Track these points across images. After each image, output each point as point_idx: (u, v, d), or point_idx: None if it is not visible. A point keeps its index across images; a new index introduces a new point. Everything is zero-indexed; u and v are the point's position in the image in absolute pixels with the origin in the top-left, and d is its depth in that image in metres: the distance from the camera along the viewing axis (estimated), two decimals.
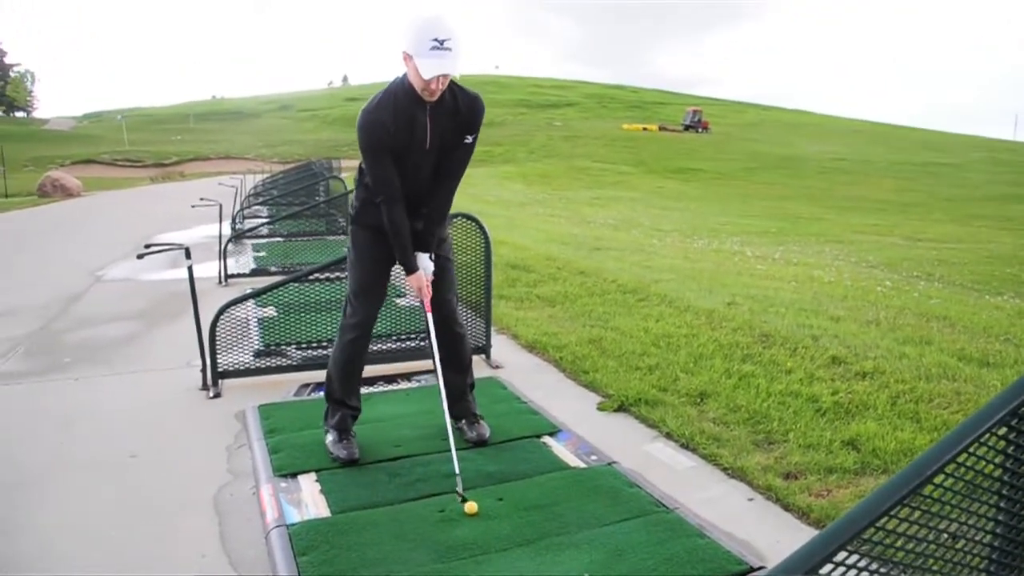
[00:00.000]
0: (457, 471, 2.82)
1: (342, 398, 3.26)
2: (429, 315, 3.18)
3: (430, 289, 3.14)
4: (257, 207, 14.05)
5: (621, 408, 3.85)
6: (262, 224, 11.41)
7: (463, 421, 3.42)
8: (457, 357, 3.37)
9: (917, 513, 1.28)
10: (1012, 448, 1.41)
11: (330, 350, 4.67)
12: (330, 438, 3.23)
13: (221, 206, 9.15)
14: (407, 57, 2.75)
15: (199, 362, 4.28)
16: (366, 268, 3.18)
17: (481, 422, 3.41)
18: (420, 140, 2.90)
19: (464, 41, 2.74)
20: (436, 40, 2.66)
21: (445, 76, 2.74)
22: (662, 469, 3.16)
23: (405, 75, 2.85)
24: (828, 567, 1.14)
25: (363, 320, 3.21)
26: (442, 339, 3.23)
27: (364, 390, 3.88)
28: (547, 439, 3.43)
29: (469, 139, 3.00)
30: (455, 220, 4.66)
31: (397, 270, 3.26)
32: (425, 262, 3.12)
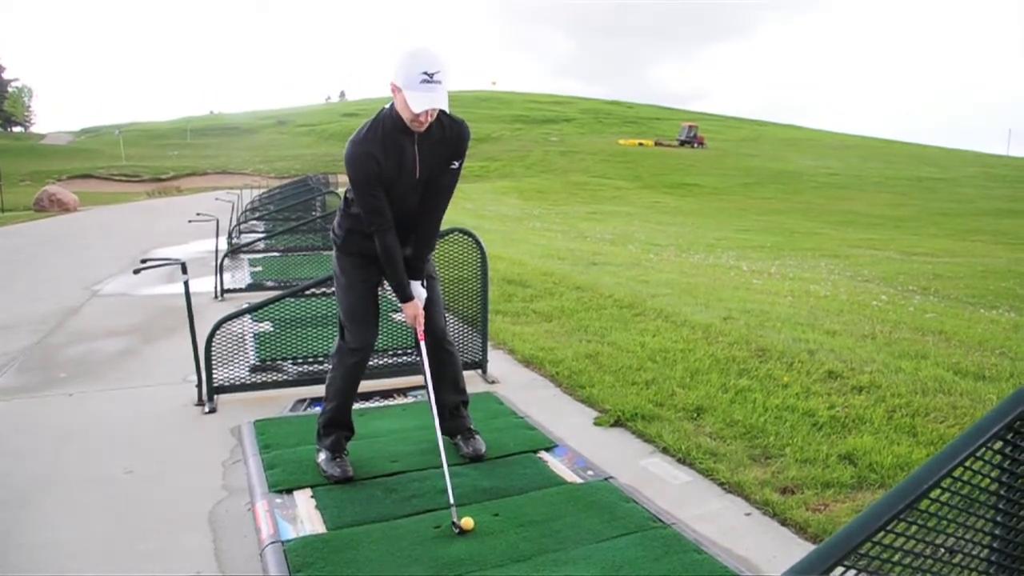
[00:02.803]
0: (452, 500, 2.76)
1: (341, 420, 3.24)
2: (423, 344, 3.17)
3: (423, 317, 3.14)
4: (253, 222, 14.05)
5: (617, 423, 3.85)
6: (258, 239, 11.39)
7: (458, 437, 3.41)
8: (450, 376, 3.37)
9: (914, 528, 1.28)
10: (1008, 462, 1.41)
11: (326, 366, 4.69)
12: (323, 457, 3.21)
13: (218, 221, 9.16)
14: (396, 89, 2.76)
15: (195, 377, 4.27)
16: (357, 293, 3.17)
17: (477, 437, 3.40)
18: (409, 170, 2.92)
19: (452, 72, 2.77)
20: (426, 73, 2.69)
21: (435, 109, 2.77)
22: (659, 484, 3.15)
23: (392, 105, 2.87)
24: None
25: (364, 344, 3.21)
26: (433, 358, 3.23)
27: (360, 405, 3.88)
28: (543, 454, 3.42)
29: (455, 165, 3.01)
30: (451, 235, 4.67)
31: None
32: (418, 290, 3.12)
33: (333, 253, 3.25)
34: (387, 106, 2.91)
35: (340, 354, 3.24)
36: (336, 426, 3.24)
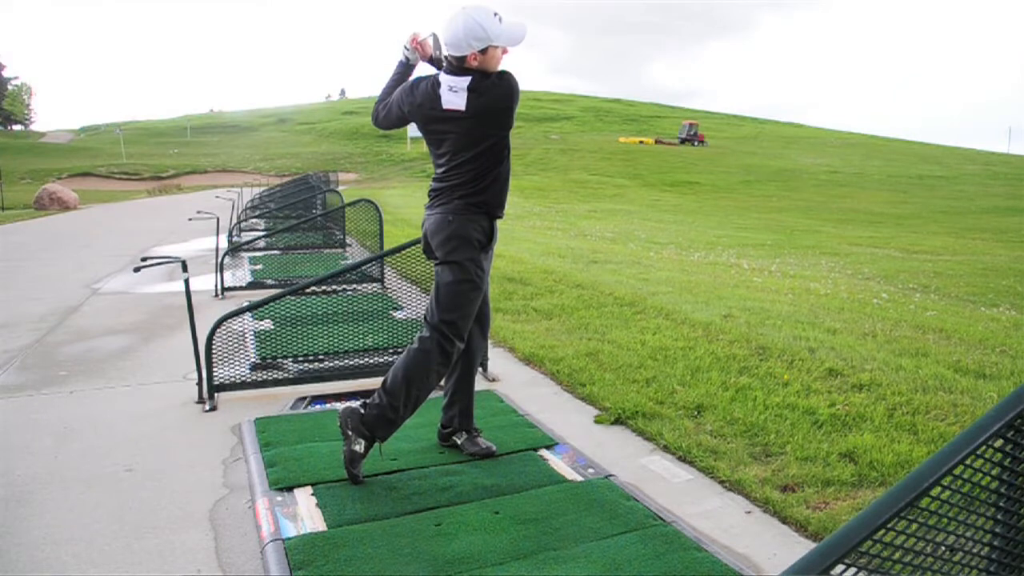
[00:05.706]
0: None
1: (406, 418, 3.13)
2: None
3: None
4: (254, 220, 14.06)
5: (618, 421, 3.85)
6: (259, 237, 11.41)
7: (463, 436, 3.39)
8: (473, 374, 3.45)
9: (914, 526, 1.28)
10: (1008, 460, 1.41)
11: (326, 363, 4.69)
12: (358, 449, 3.04)
13: (218, 219, 9.15)
14: (477, 54, 2.92)
15: (195, 375, 4.27)
16: (480, 291, 3.13)
17: (482, 436, 3.41)
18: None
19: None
20: (496, 14, 2.93)
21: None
22: (659, 482, 3.16)
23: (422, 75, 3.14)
24: None
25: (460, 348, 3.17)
26: (464, 368, 3.36)
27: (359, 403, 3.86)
28: (544, 452, 3.42)
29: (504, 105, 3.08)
30: None
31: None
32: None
33: (465, 257, 3.07)
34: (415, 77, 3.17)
35: (443, 355, 3.08)
36: (395, 422, 3.09)
